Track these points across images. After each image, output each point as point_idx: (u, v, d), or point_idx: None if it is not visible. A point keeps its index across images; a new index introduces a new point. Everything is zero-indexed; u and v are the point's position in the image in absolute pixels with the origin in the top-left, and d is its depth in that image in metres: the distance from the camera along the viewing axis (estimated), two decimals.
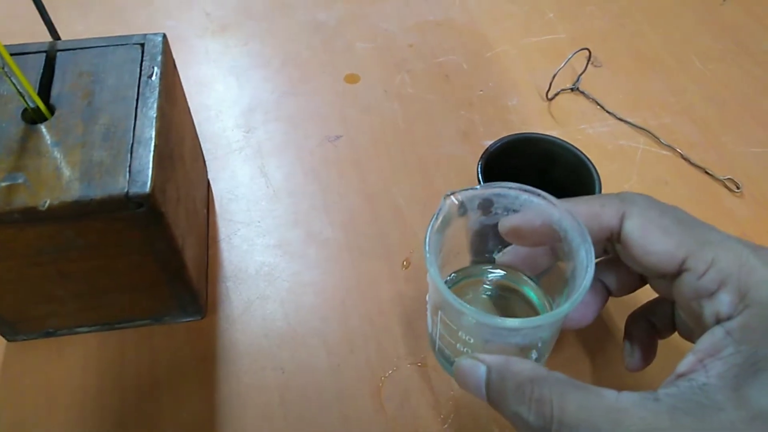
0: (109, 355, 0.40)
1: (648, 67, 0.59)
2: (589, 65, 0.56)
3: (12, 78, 0.33)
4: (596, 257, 0.29)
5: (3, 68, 0.32)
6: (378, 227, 0.47)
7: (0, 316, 0.38)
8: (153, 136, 0.33)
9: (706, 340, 0.26)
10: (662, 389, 0.25)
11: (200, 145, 0.48)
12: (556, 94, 0.56)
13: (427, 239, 0.29)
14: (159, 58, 0.37)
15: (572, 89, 0.56)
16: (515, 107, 0.55)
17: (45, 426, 0.37)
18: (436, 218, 0.30)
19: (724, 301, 0.26)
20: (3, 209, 0.30)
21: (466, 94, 0.56)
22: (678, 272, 0.28)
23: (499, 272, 0.36)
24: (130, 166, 0.32)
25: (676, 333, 0.33)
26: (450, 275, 0.35)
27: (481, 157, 0.39)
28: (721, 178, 0.50)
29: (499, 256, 0.34)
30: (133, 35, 0.38)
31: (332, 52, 0.59)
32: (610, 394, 0.25)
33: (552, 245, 0.31)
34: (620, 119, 0.54)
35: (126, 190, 0.31)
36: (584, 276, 0.28)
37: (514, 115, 0.54)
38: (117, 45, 0.38)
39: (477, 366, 0.27)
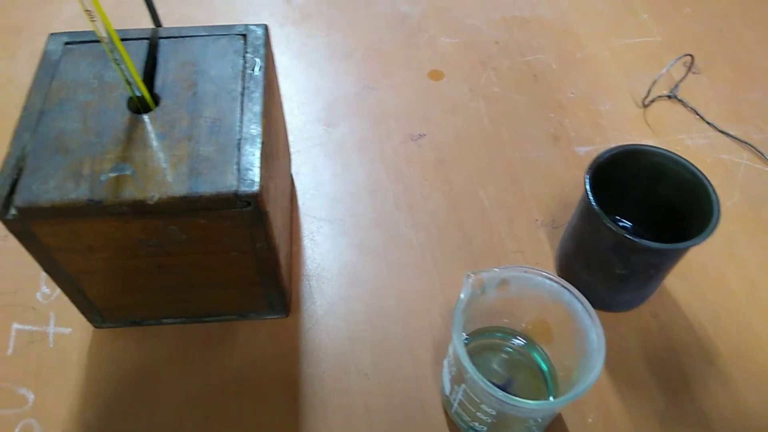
0: (193, 347, 0.40)
1: (749, 76, 0.55)
2: (689, 72, 0.53)
3: (121, 65, 0.32)
4: None
5: (112, 54, 0.32)
6: (463, 231, 0.46)
7: (91, 304, 0.37)
8: (260, 133, 0.32)
9: None
10: None
11: (288, 141, 0.47)
12: (652, 101, 0.53)
13: (456, 321, 0.31)
14: (262, 51, 0.36)
15: (669, 96, 0.53)
16: (608, 112, 0.53)
17: (129, 413, 0.37)
18: (462, 301, 0.32)
19: None
20: (111, 201, 0.30)
21: (556, 96, 0.54)
22: None
23: (519, 340, 0.38)
24: (238, 163, 0.31)
25: None
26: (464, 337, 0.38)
27: (589, 168, 0.37)
28: None
29: None
30: (235, 25, 0.37)
31: (416, 47, 0.58)
32: None
33: None
34: (721, 131, 0.51)
35: (235, 188, 0.30)
36: (598, 358, 0.30)
37: (606, 121, 0.52)
38: (219, 35, 0.37)
39: None
